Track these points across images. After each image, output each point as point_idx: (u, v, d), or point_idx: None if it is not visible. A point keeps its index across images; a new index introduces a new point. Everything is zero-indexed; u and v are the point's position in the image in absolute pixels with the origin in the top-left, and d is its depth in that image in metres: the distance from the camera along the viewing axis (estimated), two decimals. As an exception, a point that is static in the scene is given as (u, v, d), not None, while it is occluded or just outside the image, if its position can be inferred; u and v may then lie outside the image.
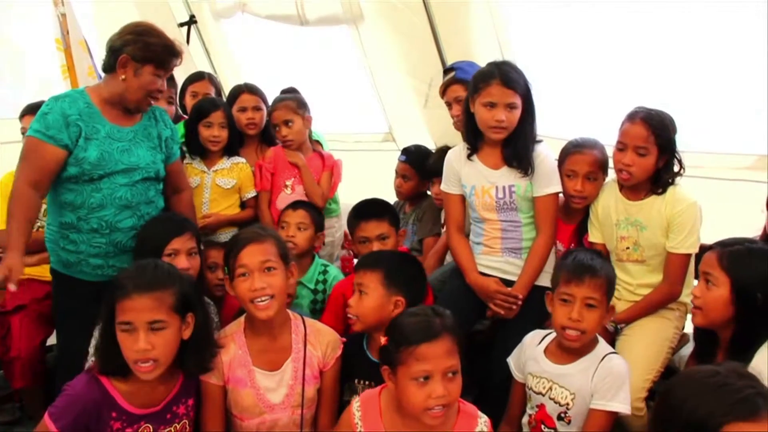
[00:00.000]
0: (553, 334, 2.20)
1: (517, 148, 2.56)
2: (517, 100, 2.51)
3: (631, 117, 2.46)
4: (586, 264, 2.12)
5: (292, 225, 2.88)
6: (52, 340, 2.98)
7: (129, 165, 2.50)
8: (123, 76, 2.46)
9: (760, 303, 1.94)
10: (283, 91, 3.54)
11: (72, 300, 2.53)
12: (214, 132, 3.16)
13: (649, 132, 2.41)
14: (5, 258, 2.34)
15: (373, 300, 2.24)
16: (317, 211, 3.03)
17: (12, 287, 2.26)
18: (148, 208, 2.58)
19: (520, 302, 2.57)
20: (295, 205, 2.96)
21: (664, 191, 2.48)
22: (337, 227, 3.55)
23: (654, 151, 2.42)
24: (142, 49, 2.43)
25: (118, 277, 1.96)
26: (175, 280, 1.96)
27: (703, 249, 2.19)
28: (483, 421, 1.87)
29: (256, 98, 3.37)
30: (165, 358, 1.90)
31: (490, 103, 2.50)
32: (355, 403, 1.95)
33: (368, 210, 2.80)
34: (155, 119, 2.65)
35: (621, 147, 2.48)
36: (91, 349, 2.28)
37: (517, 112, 2.52)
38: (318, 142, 3.60)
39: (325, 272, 2.91)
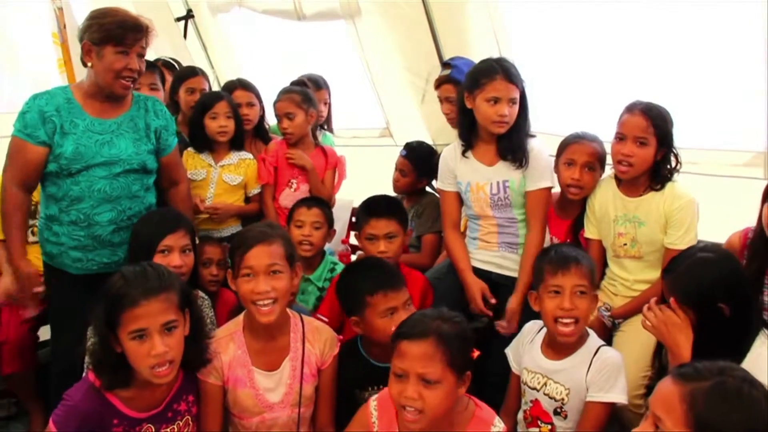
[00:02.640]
0: None
1: (512, 141, 2.58)
2: (518, 95, 2.53)
3: (631, 108, 2.47)
4: (570, 254, 2.13)
5: (308, 224, 2.85)
6: (44, 336, 2.99)
7: (108, 158, 2.48)
8: (89, 63, 2.46)
9: (729, 310, 1.92)
10: (293, 83, 3.53)
11: (58, 292, 2.56)
12: (220, 122, 3.14)
13: (648, 122, 2.42)
14: (20, 269, 2.48)
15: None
16: (328, 208, 3.03)
17: (39, 289, 2.50)
18: (130, 203, 2.54)
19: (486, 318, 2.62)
20: (309, 204, 2.92)
21: (662, 187, 2.49)
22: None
23: (653, 142, 2.43)
24: (98, 31, 2.42)
25: (114, 287, 1.86)
26: (174, 278, 1.95)
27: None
28: (497, 430, 1.83)
29: (249, 94, 3.37)
30: (179, 357, 1.90)
31: (494, 98, 2.51)
32: (372, 402, 1.94)
33: (380, 207, 2.75)
34: (145, 110, 2.62)
35: (620, 137, 2.48)
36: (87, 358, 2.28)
37: (517, 107, 2.54)
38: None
39: (332, 270, 2.90)
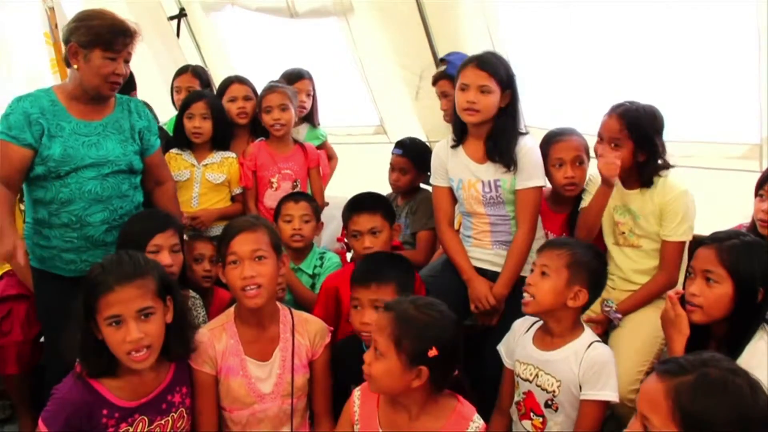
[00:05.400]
0: (541, 322, 2.20)
1: (498, 143, 2.54)
2: (492, 84, 2.47)
3: (610, 110, 2.51)
4: (553, 241, 2.21)
5: (297, 217, 2.87)
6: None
7: (97, 159, 2.46)
8: (75, 66, 2.43)
9: (761, 297, 1.92)
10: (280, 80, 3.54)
11: (51, 296, 2.53)
12: (195, 123, 3.12)
13: (621, 125, 2.45)
14: (2, 240, 2.29)
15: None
16: (315, 201, 3.05)
17: (20, 259, 2.29)
18: (121, 202, 2.53)
19: (496, 317, 2.59)
20: (296, 198, 2.94)
21: (652, 184, 2.49)
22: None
23: (628, 144, 2.45)
24: (86, 34, 2.38)
25: (92, 275, 1.90)
26: (151, 266, 1.96)
27: (695, 243, 2.12)
28: (476, 426, 1.85)
29: (246, 88, 3.37)
30: (157, 343, 1.90)
31: (463, 85, 2.50)
32: (356, 392, 1.98)
33: (361, 203, 2.74)
34: (129, 111, 2.61)
35: (600, 137, 2.53)
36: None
37: (492, 97, 2.49)
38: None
39: (321, 258, 2.93)
